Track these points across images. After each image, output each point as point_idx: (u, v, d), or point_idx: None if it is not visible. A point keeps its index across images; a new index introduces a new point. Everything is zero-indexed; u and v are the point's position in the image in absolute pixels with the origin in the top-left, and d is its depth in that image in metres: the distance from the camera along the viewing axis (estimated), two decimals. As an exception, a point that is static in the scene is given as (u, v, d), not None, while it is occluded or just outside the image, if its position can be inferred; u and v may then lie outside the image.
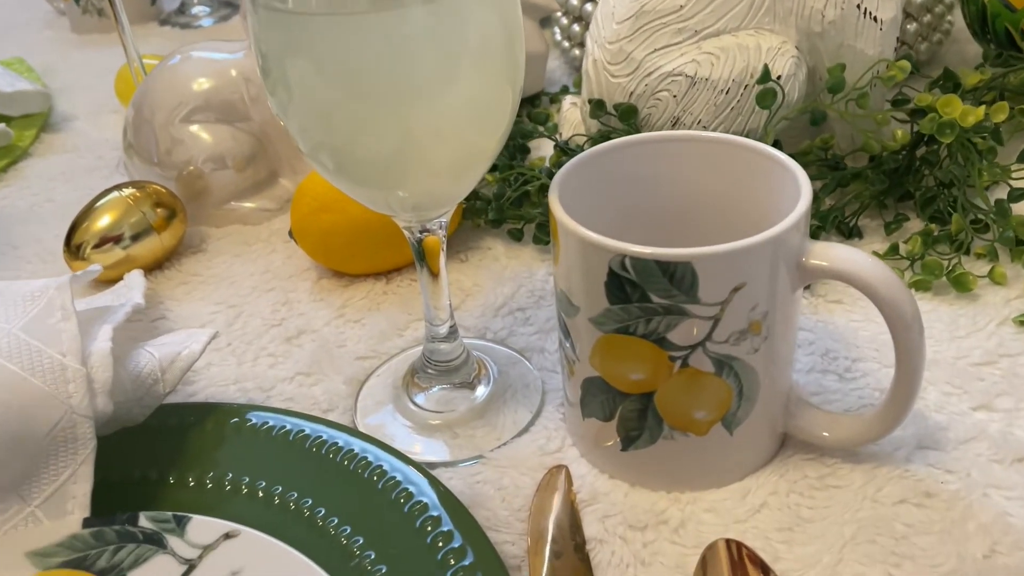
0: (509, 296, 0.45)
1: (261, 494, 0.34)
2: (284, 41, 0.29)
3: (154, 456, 0.35)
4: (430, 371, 0.39)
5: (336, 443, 0.35)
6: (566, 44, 0.66)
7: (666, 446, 0.33)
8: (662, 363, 0.30)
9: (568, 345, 0.33)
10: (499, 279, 0.47)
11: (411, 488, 0.33)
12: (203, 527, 0.32)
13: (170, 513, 0.32)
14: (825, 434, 0.33)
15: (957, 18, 0.63)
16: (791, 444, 0.35)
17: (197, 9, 0.89)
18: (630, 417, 0.32)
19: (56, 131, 0.68)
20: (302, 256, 0.50)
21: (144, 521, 0.32)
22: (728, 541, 0.29)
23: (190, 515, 0.32)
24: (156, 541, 0.31)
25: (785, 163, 0.32)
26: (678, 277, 0.28)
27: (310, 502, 0.33)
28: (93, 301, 0.43)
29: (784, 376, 0.33)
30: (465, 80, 0.29)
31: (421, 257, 0.36)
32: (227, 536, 0.31)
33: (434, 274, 0.37)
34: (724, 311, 0.29)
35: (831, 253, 0.30)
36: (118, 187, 0.50)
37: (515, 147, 0.53)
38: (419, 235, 0.35)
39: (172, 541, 0.31)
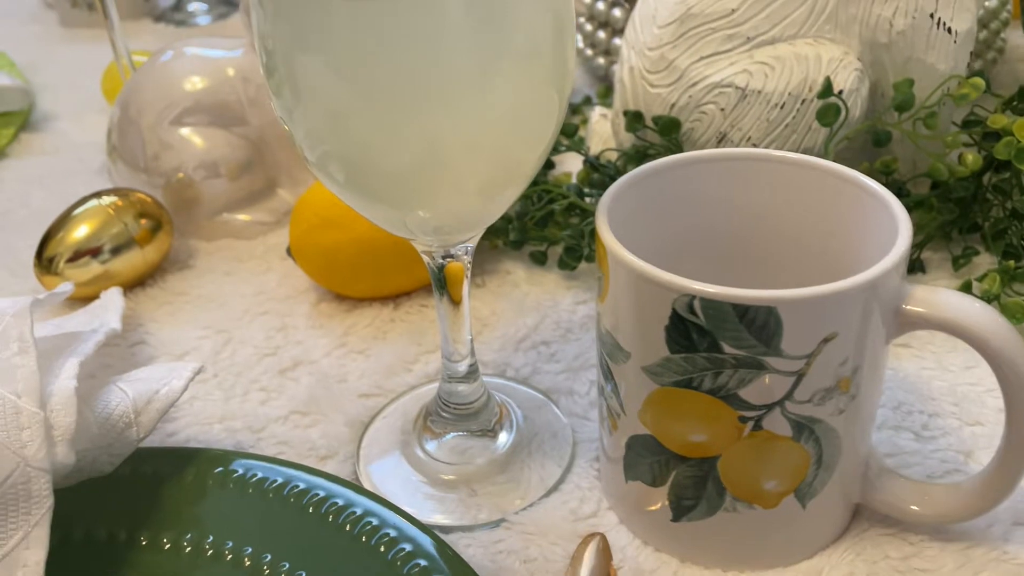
0: (532, 328, 0.41)
1: (248, 562, 0.29)
2: (294, 32, 0.24)
3: (123, 512, 0.30)
4: (445, 415, 0.34)
5: (336, 502, 0.30)
6: (589, 52, 0.62)
7: (726, 519, 0.28)
8: (730, 424, 0.26)
9: (611, 395, 0.29)
10: (520, 308, 0.42)
11: (423, 561, 0.28)
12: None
13: (139, 585, 0.27)
14: (914, 508, 0.28)
15: (1010, 36, 0.59)
16: (864, 515, 0.30)
17: (194, 6, 0.84)
18: (685, 484, 0.27)
19: (36, 131, 0.63)
20: (300, 276, 0.45)
21: (108, 595, 0.27)
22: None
23: (163, 588, 0.27)
24: (120, 621, 0.26)
25: (878, 193, 0.27)
26: (758, 324, 0.24)
27: (304, 575, 0.28)
28: (63, 323, 0.38)
29: (866, 440, 0.28)
30: (506, 83, 0.25)
31: (441, 285, 0.31)
32: (205, 616, 0.26)
33: (456, 303, 0.32)
34: (810, 366, 0.24)
35: (935, 299, 0.25)
36: (97, 194, 0.45)
37: (538, 161, 0.48)
38: (441, 261, 0.30)
39: (140, 621, 0.26)
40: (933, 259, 0.43)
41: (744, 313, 0.24)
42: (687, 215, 0.31)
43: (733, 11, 0.40)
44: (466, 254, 0.30)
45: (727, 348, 0.24)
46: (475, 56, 0.24)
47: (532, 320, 0.41)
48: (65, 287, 0.34)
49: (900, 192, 0.42)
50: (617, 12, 0.57)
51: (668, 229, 0.31)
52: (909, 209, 0.41)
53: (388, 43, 0.23)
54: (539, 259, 0.44)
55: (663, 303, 0.25)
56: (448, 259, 0.30)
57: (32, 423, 0.26)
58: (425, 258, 0.30)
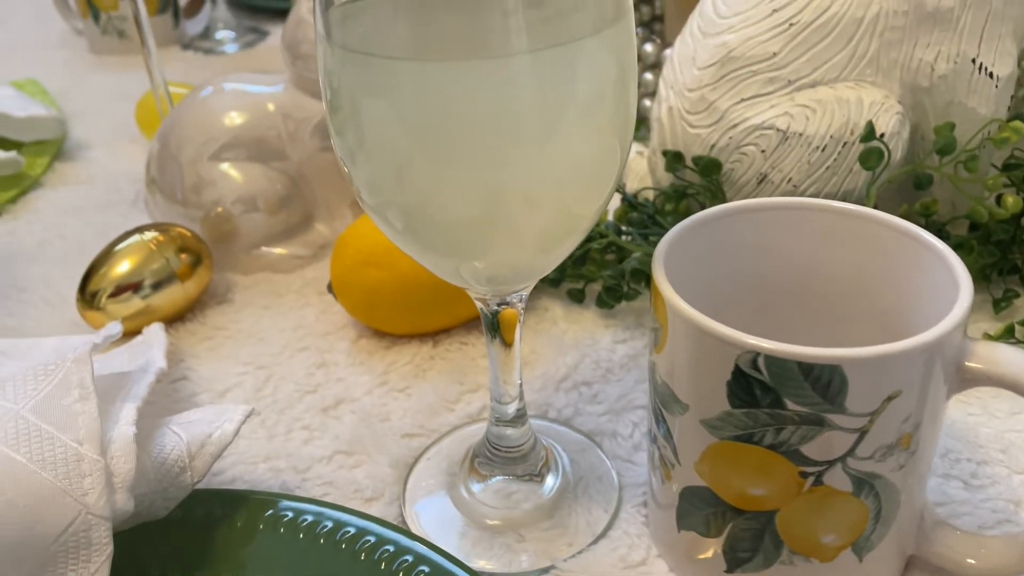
0: (572, 367, 0.41)
1: (300, 608, 0.29)
2: (361, 82, 0.25)
3: (177, 555, 0.30)
4: (492, 458, 0.34)
5: (388, 549, 0.30)
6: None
7: (782, 571, 0.28)
8: (791, 479, 0.26)
9: (665, 444, 0.29)
10: (559, 346, 0.42)
11: (479, 610, 0.28)
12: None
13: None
14: (971, 561, 0.28)
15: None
16: (918, 566, 0.30)
17: (221, 34, 0.85)
18: (742, 537, 0.27)
19: (70, 160, 0.64)
20: (339, 311, 0.45)
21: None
22: None
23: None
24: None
25: (938, 249, 0.27)
26: (823, 382, 0.24)
27: (359, 622, 0.28)
28: (108, 360, 0.38)
29: (922, 493, 0.28)
30: (569, 137, 0.25)
31: (494, 329, 0.31)
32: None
33: (508, 345, 0.32)
34: (873, 423, 0.24)
35: (996, 356, 0.25)
36: (139, 230, 0.45)
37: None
38: (495, 307, 0.30)
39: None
40: (974, 301, 0.42)
41: (809, 371, 0.24)
42: (742, 263, 0.31)
43: (774, 55, 0.41)
44: (520, 301, 0.30)
45: (790, 405, 0.24)
46: (539, 111, 0.24)
47: (572, 359, 0.41)
48: (114, 328, 0.34)
49: (940, 234, 0.42)
50: (649, 47, 0.57)
51: (722, 276, 0.31)
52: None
53: (455, 102, 0.24)
54: (577, 297, 0.45)
55: (726, 359, 0.25)
56: (503, 306, 0.30)
57: (94, 470, 0.26)
58: (478, 304, 0.31)
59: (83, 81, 0.78)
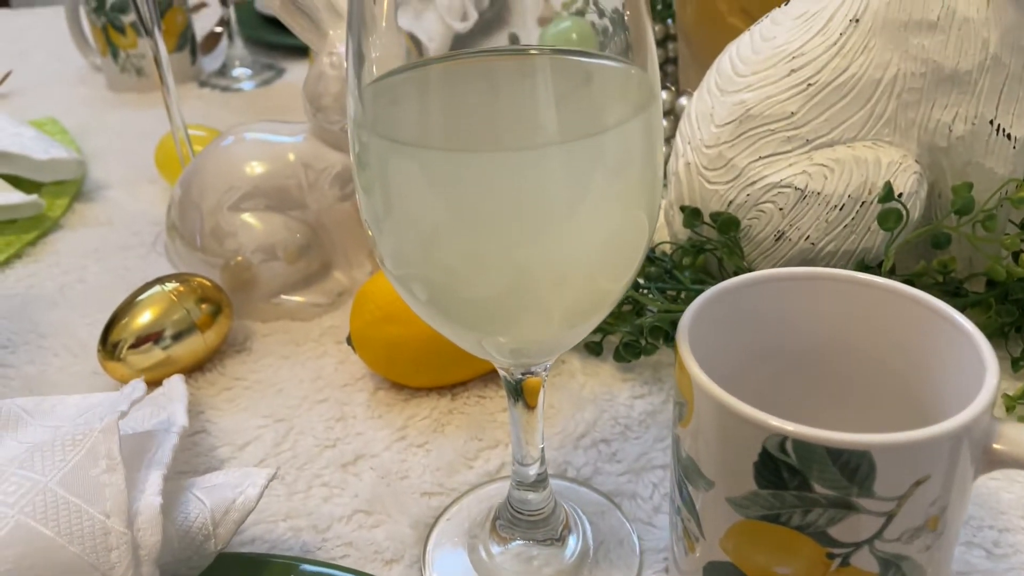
0: (591, 424, 0.41)
1: None
2: (391, 165, 0.25)
3: (198, 622, 0.30)
4: (513, 521, 0.34)
5: (411, 617, 0.30)
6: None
7: (807, 648, 0.27)
8: (817, 560, 0.26)
9: (689, 517, 0.29)
10: (577, 401, 0.42)
11: None
12: None
13: None
14: (996, 641, 0.28)
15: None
16: (943, 640, 0.30)
17: (238, 71, 0.86)
18: (767, 613, 0.27)
19: (90, 200, 0.64)
20: (357, 362, 0.45)
21: None
22: None
23: None
24: None
25: (964, 328, 0.27)
26: (852, 467, 0.24)
27: None
28: (129, 414, 0.38)
29: (947, 570, 0.28)
30: (600, 216, 0.25)
31: (517, 394, 0.31)
32: None
33: (531, 408, 0.32)
34: (901, 507, 0.24)
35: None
36: (160, 280, 0.45)
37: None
38: (519, 376, 0.30)
39: None
40: (991, 358, 0.42)
41: (838, 456, 0.24)
42: (767, 331, 0.31)
43: (792, 114, 0.41)
44: (544, 370, 0.30)
45: (818, 488, 0.24)
46: (569, 196, 0.24)
47: (590, 415, 0.41)
48: (138, 391, 0.34)
49: (957, 291, 0.42)
50: (684, 101, 0.57)
51: (747, 345, 0.31)
52: (967, 308, 0.42)
53: (486, 188, 0.24)
54: (595, 350, 0.45)
55: (753, 440, 0.25)
56: (527, 375, 0.30)
57: (120, 543, 0.27)
58: (502, 372, 0.31)
59: (102, 119, 0.79)
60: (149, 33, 0.54)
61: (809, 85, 0.41)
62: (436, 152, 0.24)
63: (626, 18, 0.25)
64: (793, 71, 0.41)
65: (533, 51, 0.27)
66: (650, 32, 0.26)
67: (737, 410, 0.25)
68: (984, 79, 0.39)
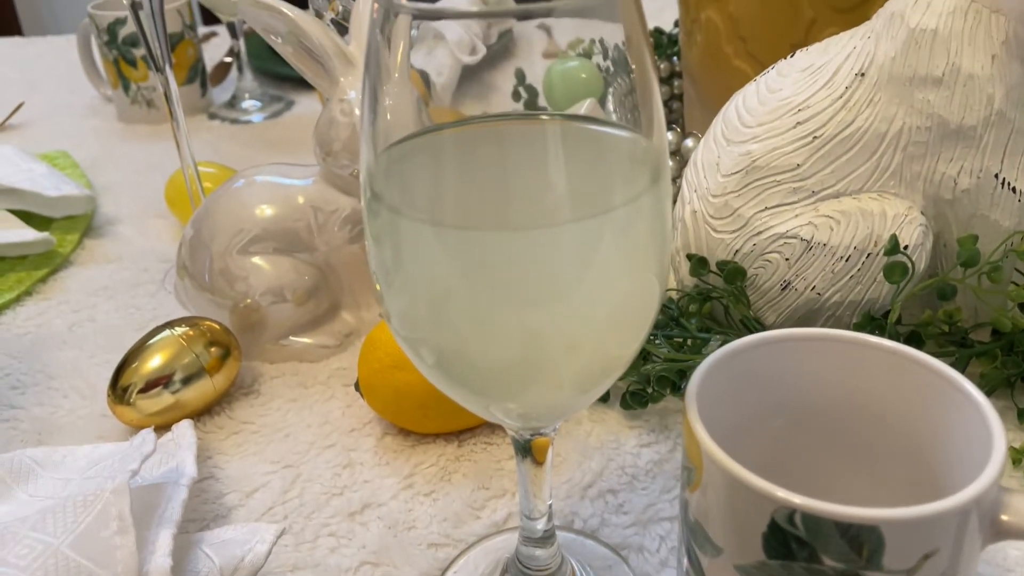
0: (597, 473, 0.41)
1: None
2: (403, 238, 0.25)
3: None
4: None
5: (418, 677, 0.30)
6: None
7: None
8: (826, 630, 0.26)
9: (697, 579, 0.29)
10: (584, 449, 0.42)
11: None
12: None
13: None
14: None
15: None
16: None
17: (248, 103, 0.87)
18: None
19: (99, 236, 0.65)
20: (364, 405, 0.46)
21: None
22: None
23: None
24: None
25: (972, 396, 0.27)
26: (861, 540, 0.24)
27: None
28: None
29: (956, 636, 0.28)
30: (611, 286, 0.25)
31: (525, 452, 0.32)
32: None
33: (539, 464, 0.32)
34: (909, 580, 0.24)
35: (1031, 509, 0.25)
36: (170, 324, 0.46)
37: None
38: (528, 437, 0.31)
39: None
40: (996, 408, 0.42)
41: (846, 530, 0.24)
42: (775, 392, 0.31)
43: (798, 166, 0.41)
44: (553, 431, 0.31)
45: (827, 560, 0.24)
46: (580, 270, 0.25)
47: (597, 464, 0.41)
48: (149, 445, 0.34)
49: (963, 341, 0.43)
50: (690, 142, 0.58)
51: (754, 406, 0.31)
52: (973, 358, 0.42)
53: (498, 264, 0.24)
54: (602, 396, 0.45)
55: (762, 511, 0.25)
56: (535, 436, 0.30)
57: (131, 606, 0.27)
58: (511, 432, 0.31)
59: (112, 152, 0.79)
60: (160, 71, 0.54)
61: (815, 137, 0.41)
62: (447, 229, 0.24)
63: (633, 80, 0.26)
64: (799, 123, 0.41)
65: (544, 117, 0.28)
66: (658, 99, 0.26)
67: (747, 481, 0.25)
68: (989, 134, 0.39)
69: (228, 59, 0.97)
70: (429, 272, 0.25)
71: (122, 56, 0.82)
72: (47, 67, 1.03)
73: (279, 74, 0.92)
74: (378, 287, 0.27)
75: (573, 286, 0.25)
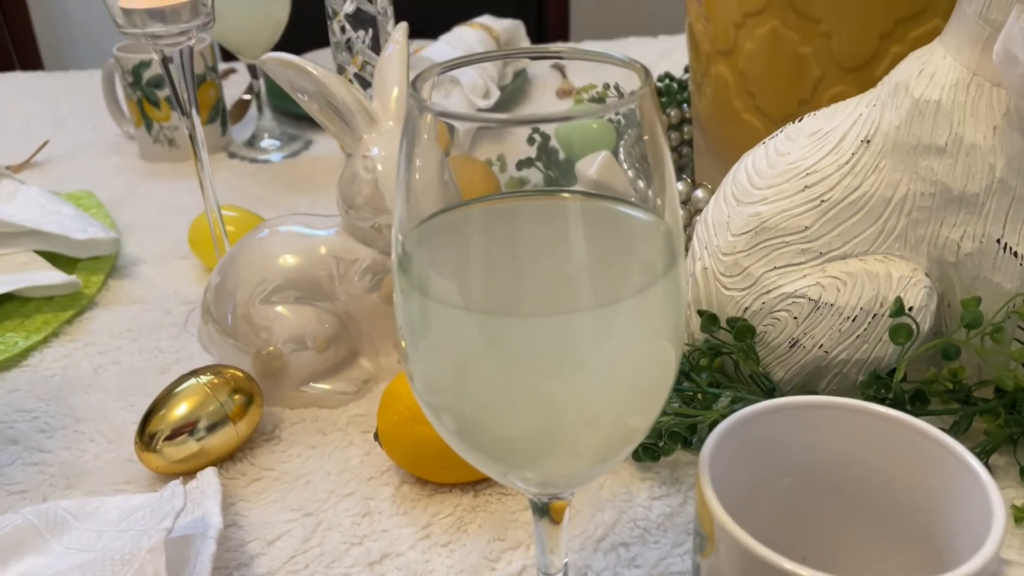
0: (610, 526, 0.42)
1: None
2: (429, 317, 0.27)
3: None
4: (536, 632, 0.35)
5: None
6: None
7: None
8: None
9: (709, 641, 0.30)
10: (596, 501, 0.43)
11: None
12: None
13: None
14: None
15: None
16: None
17: (266, 143, 0.89)
18: None
19: (123, 276, 0.67)
20: (381, 453, 0.47)
21: None
22: None
23: None
24: None
25: (972, 467, 0.28)
26: (865, 614, 0.25)
27: None
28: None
29: None
30: (630, 365, 0.27)
31: (543, 512, 0.33)
32: None
33: (556, 523, 0.33)
34: (913, 651, 0.26)
35: (1030, 582, 0.26)
36: (195, 373, 0.47)
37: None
38: (545, 500, 0.32)
39: None
40: (999, 464, 0.44)
41: (852, 603, 0.25)
42: (783, 456, 0.32)
43: (807, 228, 0.43)
44: (570, 495, 0.32)
45: (833, 630, 0.26)
46: (600, 347, 0.26)
47: (609, 516, 0.42)
48: (178, 496, 0.36)
49: (967, 399, 0.44)
50: (700, 193, 0.59)
51: (764, 466, 0.32)
52: (976, 416, 0.43)
53: (518, 347, 0.26)
54: (613, 448, 0.46)
55: (771, 582, 0.26)
56: (553, 500, 0.32)
57: (166, 663, 0.28)
58: (528, 496, 0.32)
59: (135, 190, 0.81)
60: (187, 115, 0.56)
61: (822, 201, 0.42)
62: (473, 314, 0.25)
63: (650, 168, 0.27)
64: (807, 187, 0.43)
65: (566, 195, 0.29)
66: (673, 184, 0.27)
67: (757, 553, 0.26)
68: (991, 201, 0.41)
69: (247, 96, 0.99)
70: (451, 345, 0.27)
71: (146, 97, 0.84)
72: (70, 103, 1.05)
73: (298, 114, 0.94)
74: (403, 344, 0.29)
75: (592, 365, 0.26)
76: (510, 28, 1.04)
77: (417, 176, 0.27)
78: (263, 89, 0.89)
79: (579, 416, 0.27)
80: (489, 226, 0.28)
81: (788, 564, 0.26)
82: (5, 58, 1.90)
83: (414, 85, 0.26)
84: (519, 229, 0.28)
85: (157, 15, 0.50)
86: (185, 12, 0.51)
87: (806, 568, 0.25)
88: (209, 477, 0.43)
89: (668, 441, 0.43)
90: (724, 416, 0.41)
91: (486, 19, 1.04)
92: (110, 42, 0.84)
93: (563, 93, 0.95)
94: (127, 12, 0.50)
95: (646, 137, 0.25)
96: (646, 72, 0.25)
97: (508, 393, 0.27)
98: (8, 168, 0.80)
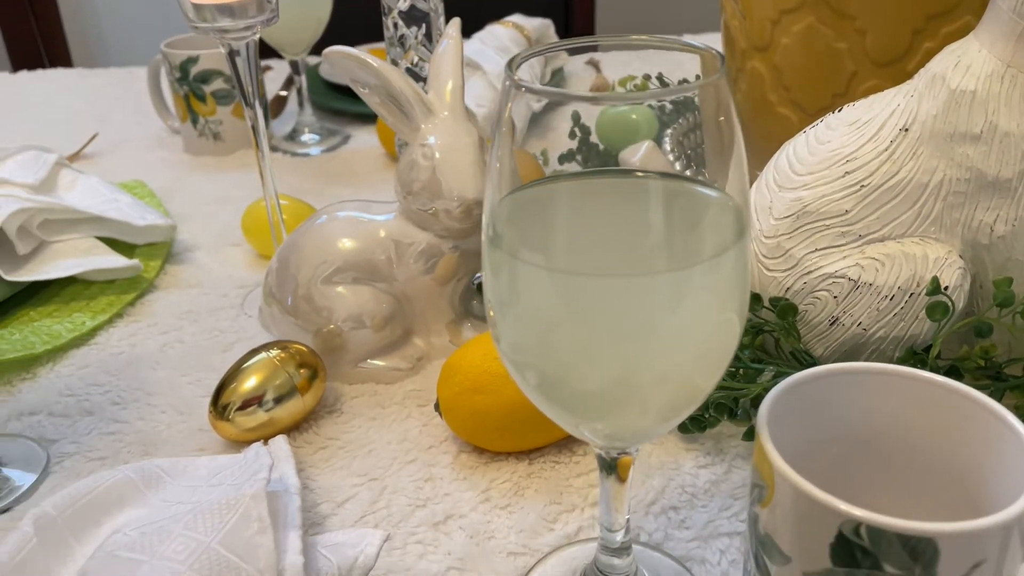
0: (659, 491, 0.44)
1: None
2: (518, 279, 0.29)
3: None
4: (597, 583, 0.38)
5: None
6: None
7: None
8: (885, 630, 0.29)
9: (766, 586, 0.32)
10: (645, 469, 0.46)
11: None
12: None
13: None
14: None
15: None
16: None
17: (307, 137, 0.92)
18: (838, 676, 0.31)
19: (179, 263, 0.70)
20: (439, 424, 0.50)
21: None
22: None
23: None
24: None
25: (1011, 424, 0.31)
26: (919, 551, 0.27)
27: None
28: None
29: (1000, 640, 0.31)
30: (699, 329, 0.29)
31: (611, 469, 0.35)
32: None
33: (622, 481, 0.36)
34: (960, 586, 0.28)
35: (1068, 527, 0.29)
36: (265, 347, 0.50)
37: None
38: (615, 455, 0.34)
39: None
40: (1030, 438, 0.46)
41: (906, 541, 0.27)
42: (833, 420, 0.35)
43: (847, 212, 0.45)
44: (636, 451, 0.34)
45: (887, 568, 0.28)
46: (673, 309, 0.28)
47: (658, 483, 0.45)
48: (263, 456, 0.39)
49: (998, 376, 0.46)
50: None
51: (815, 430, 0.35)
52: (1007, 391, 0.45)
53: (599, 305, 0.28)
54: (660, 420, 0.49)
55: (830, 524, 0.28)
56: (621, 455, 0.34)
57: (272, 597, 0.31)
58: (598, 451, 0.35)
59: (182, 182, 0.84)
60: (251, 106, 0.59)
61: (862, 186, 0.45)
62: (557, 273, 0.28)
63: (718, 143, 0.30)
64: (847, 173, 0.45)
65: (640, 175, 0.32)
66: (743, 163, 0.30)
67: (816, 497, 0.29)
68: (1023, 185, 0.43)
69: (283, 92, 1.02)
70: (539, 307, 0.29)
71: (192, 92, 0.87)
72: (113, 99, 1.08)
73: (335, 109, 0.97)
74: (491, 313, 0.31)
75: (666, 326, 0.28)
76: (540, 27, 1.06)
77: (509, 153, 0.29)
78: (304, 85, 0.92)
79: (650, 372, 0.29)
80: (572, 197, 0.30)
81: (844, 505, 0.28)
82: (35, 56, 1.94)
83: (509, 66, 0.28)
84: (600, 200, 0.31)
85: (226, 10, 0.53)
86: (252, 8, 0.54)
87: (861, 509, 0.28)
88: (281, 443, 0.45)
89: (714, 412, 0.46)
90: (767, 390, 0.44)
91: (517, 18, 1.07)
92: (140, 39, 0.88)
93: (597, 88, 0.98)
94: (197, 7, 0.53)
95: (721, 118, 0.28)
96: (721, 58, 0.28)
97: (586, 351, 0.29)
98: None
